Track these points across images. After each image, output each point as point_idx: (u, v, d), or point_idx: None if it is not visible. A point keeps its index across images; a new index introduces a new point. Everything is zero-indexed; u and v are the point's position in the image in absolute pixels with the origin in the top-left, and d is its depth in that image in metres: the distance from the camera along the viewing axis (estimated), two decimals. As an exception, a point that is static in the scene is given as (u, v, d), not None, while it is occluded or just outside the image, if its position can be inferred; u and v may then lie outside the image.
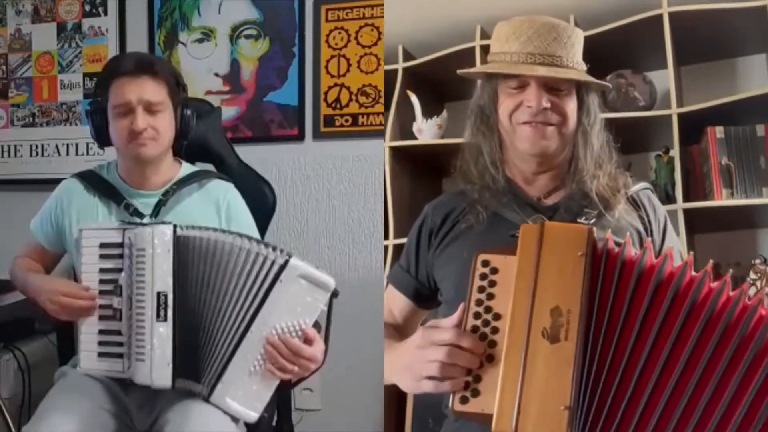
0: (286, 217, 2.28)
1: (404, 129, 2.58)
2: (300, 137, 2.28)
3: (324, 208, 2.28)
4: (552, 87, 1.29)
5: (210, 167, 1.84)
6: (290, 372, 1.35)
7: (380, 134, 2.28)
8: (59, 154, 2.52)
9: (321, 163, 2.27)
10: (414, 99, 2.53)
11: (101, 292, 1.45)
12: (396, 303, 1.48)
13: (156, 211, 1.55)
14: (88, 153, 2.48)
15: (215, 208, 1.59)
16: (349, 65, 2.23)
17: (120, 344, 1.43)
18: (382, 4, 2.17)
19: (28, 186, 2.51)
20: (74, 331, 1.55)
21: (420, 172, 2.67)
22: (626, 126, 2.15)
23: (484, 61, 2.31)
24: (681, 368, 0.99)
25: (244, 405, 1.36)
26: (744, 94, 2.14)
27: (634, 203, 1.36)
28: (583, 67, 1.34)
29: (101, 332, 1.45)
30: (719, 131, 2.15)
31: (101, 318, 1.45)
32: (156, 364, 1.37)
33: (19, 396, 2.07)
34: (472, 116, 1.41)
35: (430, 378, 1.04)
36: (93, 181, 1.61)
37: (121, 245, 1.44)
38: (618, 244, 1.06)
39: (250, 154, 1.95)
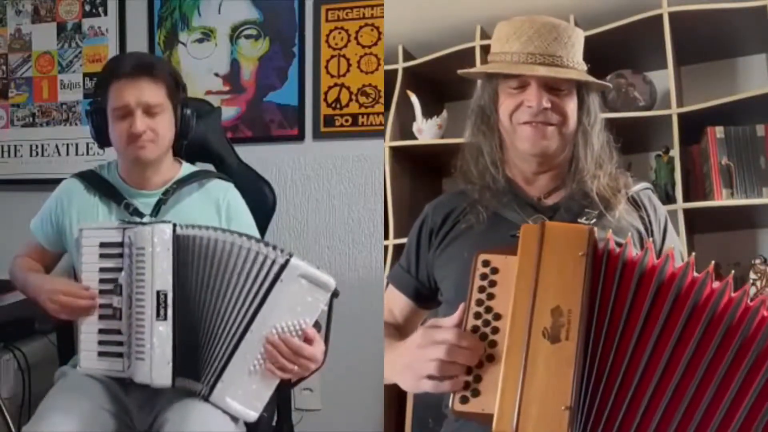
0: (286, 217, 2.28)
1: (404, 129, 2.58)
2: (300, 137, 2.28)
3: (324, 208, 2.28)
4: (552, 87, 1.29)
5: (210, 167, 1.84)
6: (290, 372, 1.35)
7: (380, 134, 2.28)
8: (59, 154, 2.52)
9: (321, 163, 2.27)
10: (414, 99, 2.53)
11: (101, 292, 1.45)
12: (396, 303, 1.48)
13: (156, 210, 1.54)
14: (88, 153, 2.47)
15: (215, 207, 1.59)
16: (349, 65, 2.23)
17: (120, 343, 1.43)
18: (382, 4, 2.17)
19: (28, 186, 2.51)
20: (74, 331, 1.55)
21: (420, 172, 2.67)
22: (626, 126, 2.15)
23: (484, 61, 2.32)
24: (682, 369, 0.99)
25: (244, 404, 1.36)
26: (744, 94, 2.14)
27: (635, 203, 1.36)
28: (584, 67, 1.34)
29: (101, 331, 1.45)
30: (719, 131, 2.15)
31: (101, 317, 1.45)
32: (156, 363, 1.37)
33: (19, 396, 2.07)
34: (472, 116, 1.41)
35: (430, 377, 1.04)
36: (93, 181, 1.61)
37: (121, 244, 1.44)
38: (619, 245, 1.06)
39: (250, 154, 1.95)
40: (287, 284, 1.34)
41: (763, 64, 2.37)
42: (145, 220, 1.53)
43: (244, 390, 1.36)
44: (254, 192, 1.76)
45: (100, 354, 1.45)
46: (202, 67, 2.36)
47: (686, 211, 2.11)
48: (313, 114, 2.26)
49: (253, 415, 1.37)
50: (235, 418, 1.37)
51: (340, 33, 2.23)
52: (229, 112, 2.31)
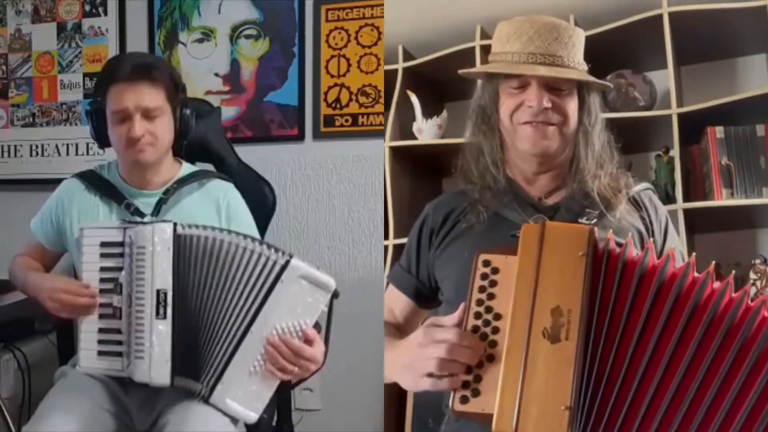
0: (286, 217, 2.28)
1: (404, 129, 2.58)
2: (300, 137, 2.27)
3: (324, 208, 2.28)
4: (553, 87, 1.29)
5: (210, 167, 1.84)
6: (290, 372, 1.35)
7: (380, 134, 2.28)
8: (59, 154, 2.52)
9: (321, 163, 2.27)
10: (414, 99, 2.53)
11: (102, 291, 1.45)
12: (397, 303, 1.48)
13: (157, 210, 1.54)
14: (88, 153, 2.47)
15: (215, 207, 1.59)
16: (349, 65, 2.23)
17: (120, 343, 1.43)
18: (382, 4, 2.17)
19: (28, 186, 2.51)
20: (74, 330, 1.55)
21: (420, 172, 2.67)
22: (626, 126, 2.14)
23: (484, 61, 2.32)
24: (683, 370, 0.99)
25: (244, 405, 1.36)
26: (744, 94, 2.14)
27: (636, 203, 1.36)
28: (584, 67, 1.34)
29: (101, 330, 1.45)
30: (719, 131, 2.15)
31: (101, 316, 1.45)
32: (155, 362, 1.37)
33: (19, 396, 2.07)
34: (473, 116, 1.41)
35: (430, 375, 1.04)
36: (94, 181, 1.61)
37: (121, 244, 1.44)
38: (619, 245, 1.06)
39: (250, 154, 1.95)
40: (287, 285, 1.34)
41: (763, 64, 2.37)
42: (145, 219, 1.53)
43: (244, 391, 1.36)
44: (254, 192, 1.76)
45: (100, 353, 1.45)
46: (202, 67, 2.36)
47: (686, 211, 2.11)
48: (313, 114, 2.26)
49: (253, 416, 1.37)
50: (235, 419, 1.37)
51: (340, 33, 2.23)
52: (229, 112, 2.31)
